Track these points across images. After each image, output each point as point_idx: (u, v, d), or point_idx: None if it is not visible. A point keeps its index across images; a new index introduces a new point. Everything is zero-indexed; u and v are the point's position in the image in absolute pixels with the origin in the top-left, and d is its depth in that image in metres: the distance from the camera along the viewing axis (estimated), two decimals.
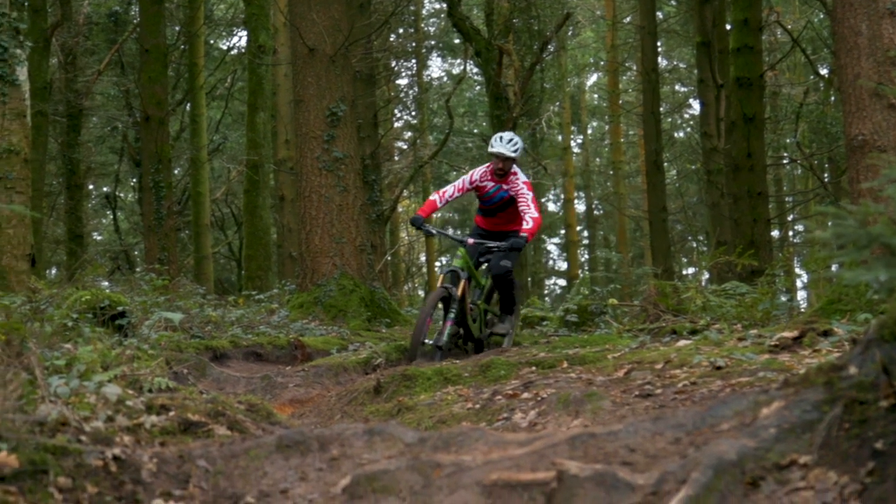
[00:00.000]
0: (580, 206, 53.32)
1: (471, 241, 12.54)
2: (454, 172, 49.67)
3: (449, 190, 12.93)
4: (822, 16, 31.60)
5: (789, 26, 30.88)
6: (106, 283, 21.52)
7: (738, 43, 20.37)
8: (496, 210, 12.98)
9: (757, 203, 19.33)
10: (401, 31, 38.03)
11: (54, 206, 37.22)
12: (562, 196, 51.14)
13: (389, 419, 7.80)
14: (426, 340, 11.82)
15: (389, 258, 33.50)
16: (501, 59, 27.55)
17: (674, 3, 38.44)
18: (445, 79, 48.76)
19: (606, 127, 52.83)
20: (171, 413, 4.85)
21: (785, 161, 33.88)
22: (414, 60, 40.50)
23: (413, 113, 43.55)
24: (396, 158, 38.06)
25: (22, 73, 15.03)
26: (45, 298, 12.59)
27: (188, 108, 34.25)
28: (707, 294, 12.80)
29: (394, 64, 35.99)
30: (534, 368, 9.24)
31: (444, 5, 30.10)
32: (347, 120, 18.06)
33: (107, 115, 37.02)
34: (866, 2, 10.47)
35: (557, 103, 45.10)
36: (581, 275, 43.65)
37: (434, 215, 16.20)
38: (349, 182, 17.97)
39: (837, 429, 3.56)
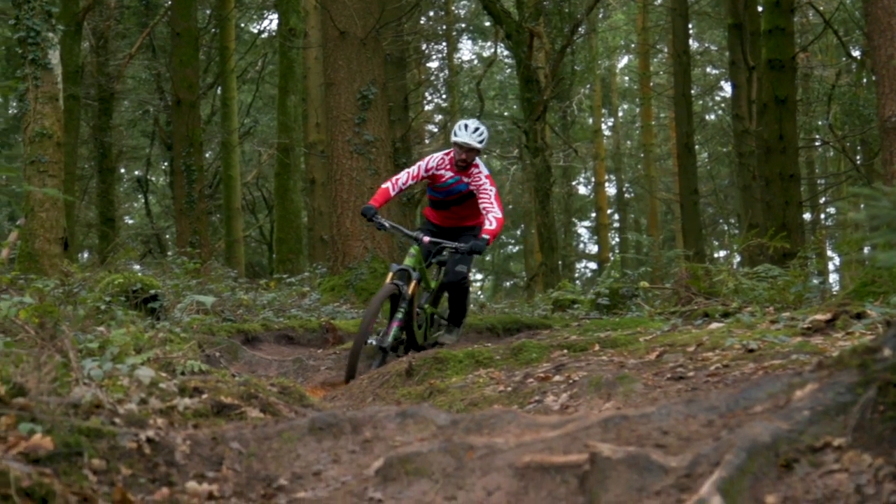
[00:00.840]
0: (611, 189, 53.23)
1: (426, 238, 11.44)
2: (484, 156, 49.70)
3: (402, 177, 11.69)
4: None
5: (821, 7, 30.73)
6: (138, 267, 21.64)
7: (769, 24, 20.26)
8: (451, 203, 11.91)
9: (789, 185, 19.24)
10: (431, 13, 37.95)
11: (86, 189, 37.34)
12: (592, 179, 51.08)
13: (421, 402, 7.81)
14: (370, 340, 10.77)
15: None
16: (532, 42, 27.48)
17: None
18: (476, 62, 48.72)
19: (637, 109, 52.80)
20: (204, 396, 4.86)
21: (817, 143, 33.71)
22: (444, 43, 40.45)
23: (444, 96, 43.52)
24: (427, 141, 38.00)
25: (54, 57, 15.10)
26: (78, 282, 12.64)
27: (219, 91, 34.35)
28: (739, 277, 12.75)
29: (424, 47, 35.94)
30: (565, 351, 9.23)
31: None
32: (378, 103, 18.05)
33: (138, 98, 37.12)
34: None
35: (588, 86, 45.03)
36: (612, 258, 43.59)
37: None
38: (380, 165, 17.97)
39: (871, 411, 3.54)
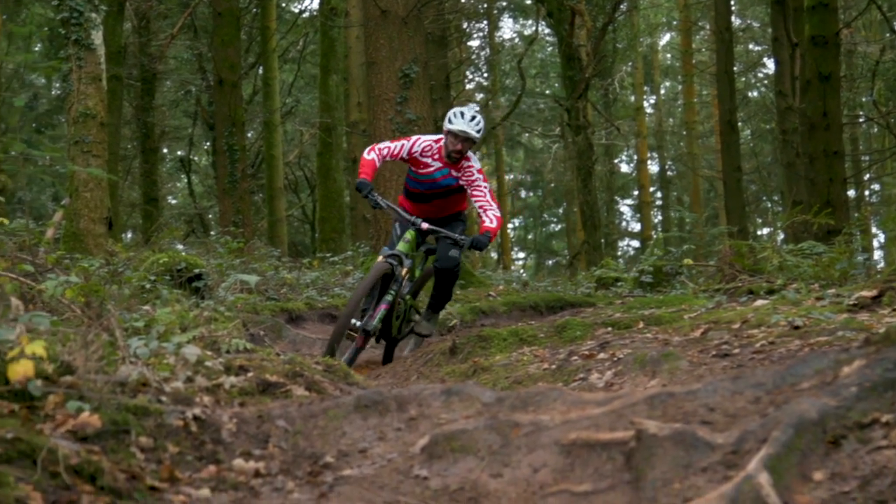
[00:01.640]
0: (653, 167, 53.01)
1: (425, 225, 10.37)
2: (526, 135, 49.65)
3: (385, 149, 10.44)
4: None
5: None
6: (181, 246, 21.73)
7: (813, 0, 20.11)
8: (434, 196, 10.79)
9: (833, 162, 19.09)
10: None
11: (129, 169, 37.53)
12: (635, 157, 50.92)
13: (466, 380, 7.82)
14: (354, 322, 9.84)
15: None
16: (574, 20, 27.39)
17: None
18: (517, 40, 48.63)
19: (679, 87, 52.61)
20: (250, 374, 4.88)
21: (861, 120, 33.47)
22: (485, 21, 40.38)
23: (485, 74, 43.53)
24: None
25: (97, 38, 15.15)
26: (123, 261, 12.74)
27: (261, 71, 34.39)
28: (783, 254, 12.68)
29: (465, 25, 35.91)
30: (609, 329, 9.21)
31: None
32: (420, 82, 18.04)
33: (180, 78, 37.27)
34: None
35: (630, 63, 44.90)
36: (654, 235, 43.51)
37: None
38: None
39: None
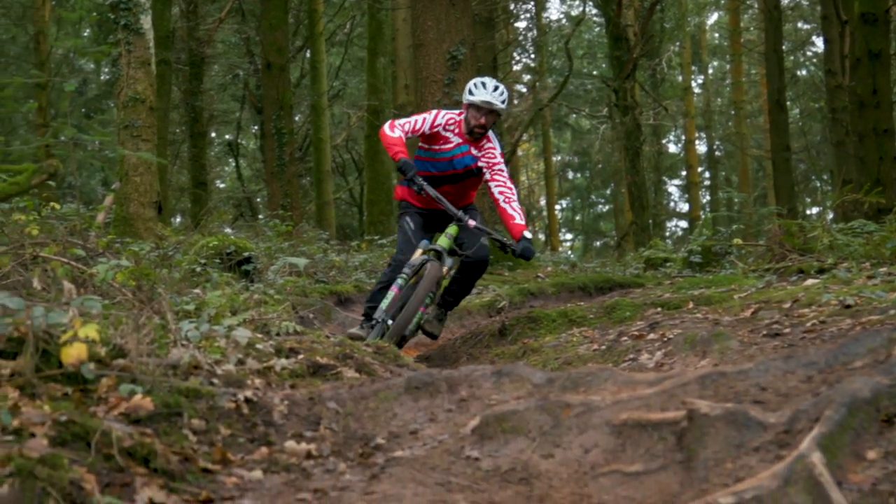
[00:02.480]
0: (701, 147, 52.75)
1: (472, 222, 9.15)
2: (573, 116, 49.53)
3: (406, 124, 9.42)
4: None
5: None
6: (230, 230, 21.82)
7: None
8: (447, 180, 9.68)
9: (883, 141, 18.93)
10: None
11: (178, 153, 37.73)
12: (683, 137, 50.71)
13: (515, 361, 7.82)
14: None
15: None
16: (621, 0, 27.31)
17: None
18: (564, 21, 48.50)
19: (728, 66, 52.32)
20: (300, 356, 4.90)
21: None
22: (533, 2, 40.26)
23: (532, 55, 43.43)
24: (516, 102, 37.90)
25: (146, 22, 15.23)
26: (173, 245, 12.78)
27: (308, 54, 34.46)
28: (834, 233, 12.60)
29: (512, 6, 35.86)
30: (659, 309, 9.20)
31: None
32: (468, 63, 17.99)
33: (228, 62, 37.39)
34: None
35: (678, 43, 44.66)
36: (703, 216, 43.34)
37: None
38: None
39: None
